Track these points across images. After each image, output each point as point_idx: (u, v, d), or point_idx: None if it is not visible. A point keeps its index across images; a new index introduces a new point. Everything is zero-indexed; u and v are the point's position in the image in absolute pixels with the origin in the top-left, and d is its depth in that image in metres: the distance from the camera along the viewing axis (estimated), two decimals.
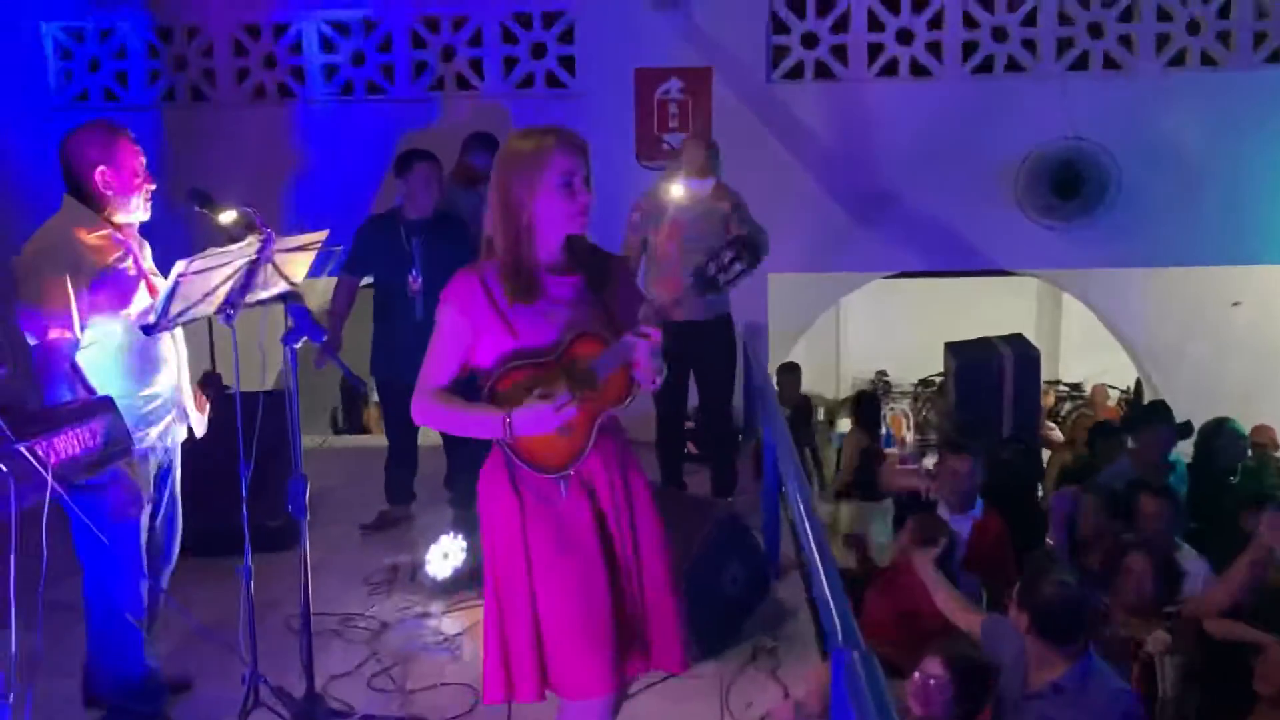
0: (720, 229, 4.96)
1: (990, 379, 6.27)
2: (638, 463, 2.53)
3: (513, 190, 2.29)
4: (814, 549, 2.64)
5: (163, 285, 2.72)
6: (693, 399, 5.23)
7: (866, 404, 7.71)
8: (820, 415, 11.90)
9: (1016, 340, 6.67)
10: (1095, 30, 6.72)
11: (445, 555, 4.42)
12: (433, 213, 4.85)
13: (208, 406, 3.40)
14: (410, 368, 4.85)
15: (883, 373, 13.24)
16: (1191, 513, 4.83)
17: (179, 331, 3.08)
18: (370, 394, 9.12)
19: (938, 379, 12.29)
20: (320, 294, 5.77)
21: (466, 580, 4.37)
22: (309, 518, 3.26)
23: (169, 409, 3.14)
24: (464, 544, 4.44)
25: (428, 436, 5.58)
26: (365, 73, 6.95)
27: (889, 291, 12.61)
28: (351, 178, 6.81)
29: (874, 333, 13.61)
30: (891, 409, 12.26)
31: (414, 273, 4.79)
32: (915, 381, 12.87)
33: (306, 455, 4.39)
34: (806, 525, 2.84)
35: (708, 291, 2.24)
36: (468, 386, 2.45)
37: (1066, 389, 11.69)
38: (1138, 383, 9.73)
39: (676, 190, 4.97)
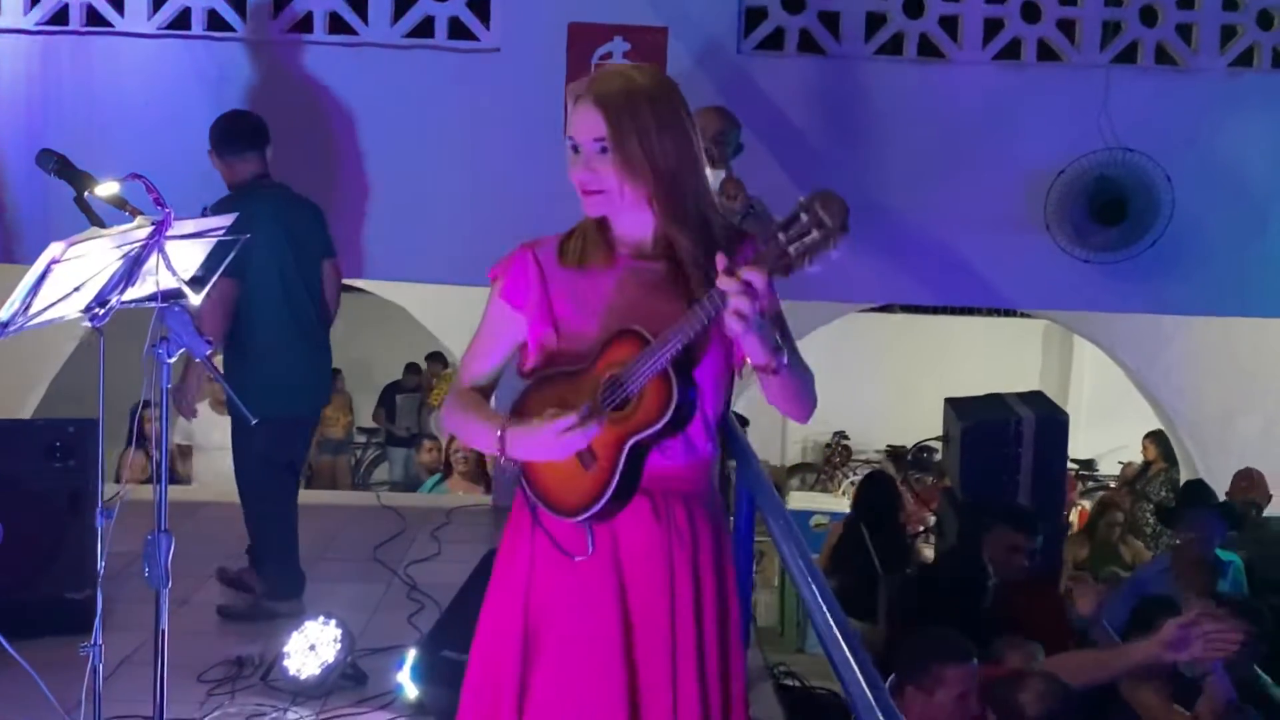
0: None
1: (1005, 448, 6.55)
2: (728, 553, 2.58)
3: None
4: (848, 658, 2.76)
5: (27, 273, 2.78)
6: None
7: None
8: None
9: (1038, 400, 6.97)
10: (1148, 15, 7.13)
11: (311, 647, 4.45)
12: None
13: None
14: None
15: (841, 434, 13.59)
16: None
17: None
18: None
19: (912, 446, 12.69)
20: None
21: (339, 682, 4.44)
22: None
23: None
24: (337, 633, 4.49)
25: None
26: (205, 1, 6.98)
27: (852, 331, 12.98)
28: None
29: (832, 382, 13.91)
30: (852, 481, 12.59)
31: None
32: (883, 448, 13.23)
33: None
34: (827, 614, 2.99)
35: (775, 273, 2.16)
36: None
37: (1076, 466, 12.15)
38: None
39: None
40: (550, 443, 2.32)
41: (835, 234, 2.08)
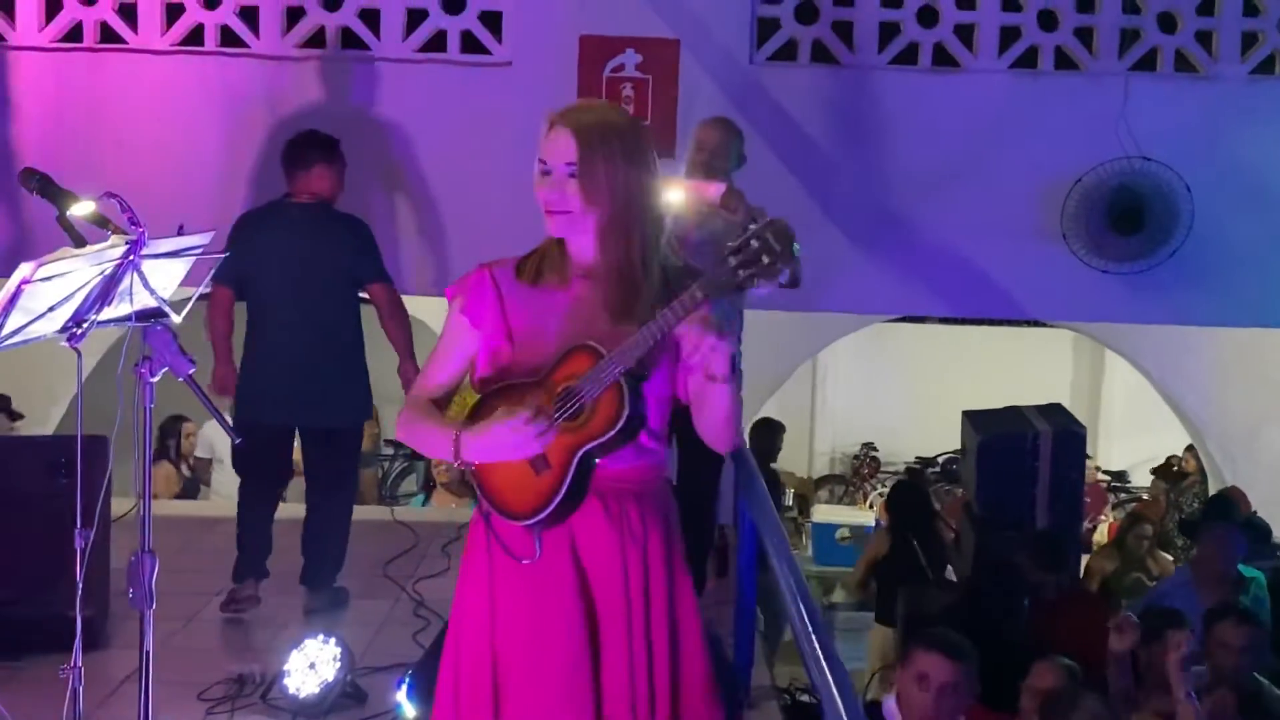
0: None
1: (1022, 461, 6.51)
2: (677, 549, 2.66)
3: None
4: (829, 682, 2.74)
5: None
6: None
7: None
8: (788, 499, 12.14)
9: (1055, 413, 6.93)
10: (1167, 22, 7.06)
11: (311, 665, 4.45)
12: None
13: None
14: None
15: (870, 445, 13.53)
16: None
17: None
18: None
19: (942, 458, 12.63)
20: None
21: (339, 700, 4.43)
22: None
23: None
24: (337, 651, 4.50)
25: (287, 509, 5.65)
26: (219, 16, 7.00)
27: (880, 341, 12.94)
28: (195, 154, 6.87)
29: (860, 394, 13.91)
30: (880, 493, 12.56)
31: None
32: (912, 460, 13.17)
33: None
34: (814, 644, 2.96)
35: (723, 291, 2.29)
36: None
37: (1108, 478, 12.05)
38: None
39: (674, 196, 4.69)
40: (505, 439, 2.45)
41: (780, 260, 2.20)
